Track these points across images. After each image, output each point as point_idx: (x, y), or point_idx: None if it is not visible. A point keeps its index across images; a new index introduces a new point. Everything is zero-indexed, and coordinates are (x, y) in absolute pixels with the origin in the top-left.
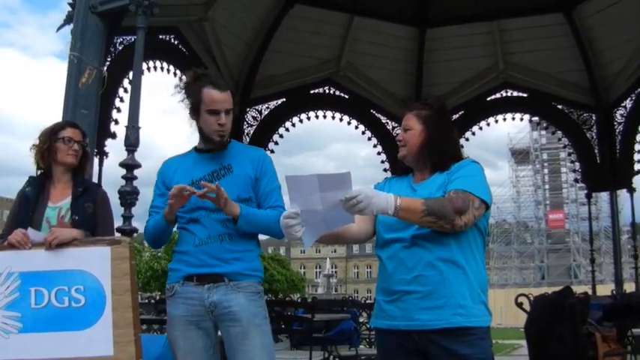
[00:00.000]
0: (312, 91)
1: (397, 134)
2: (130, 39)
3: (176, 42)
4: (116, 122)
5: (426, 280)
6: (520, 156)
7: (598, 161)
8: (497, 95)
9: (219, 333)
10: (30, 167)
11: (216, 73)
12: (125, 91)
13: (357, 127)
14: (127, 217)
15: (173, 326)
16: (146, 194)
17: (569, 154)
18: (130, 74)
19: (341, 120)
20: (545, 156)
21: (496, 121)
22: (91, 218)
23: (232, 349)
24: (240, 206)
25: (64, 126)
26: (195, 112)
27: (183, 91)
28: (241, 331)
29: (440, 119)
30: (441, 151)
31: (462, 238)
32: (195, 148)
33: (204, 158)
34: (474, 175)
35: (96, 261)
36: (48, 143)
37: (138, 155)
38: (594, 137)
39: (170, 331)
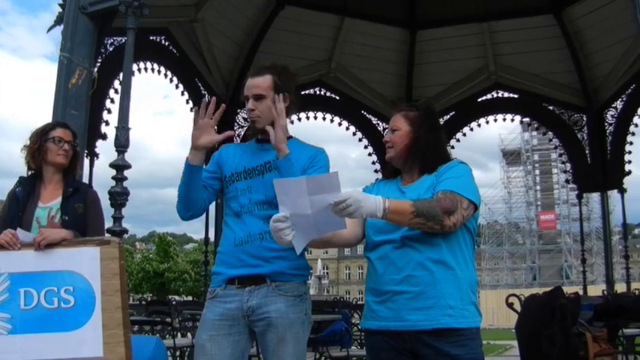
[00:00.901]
0: (302, 93)
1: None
2: (121, 40)
3: (166, 43)
4: (107, 123)
5: (416, 280)
6: (511, 157)
7: (589, 162)
8: (488, 96)
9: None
10: (21, 168)
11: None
12: (116, 92)
13: (347, 129)
14: (117, 218)
15: (203, 329)
16: (137, 195)
17: (560, 155)
18: (121, 75)
19: (332, 121)
20: (536, 157)
21: (487, 122)
22: (82, 218)
23: (267, 354)
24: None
25: (55, 126)
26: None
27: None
28: (276, 339)
29: (427, 120)
30: (429, 152)
31: (451, 238)
32: (256, 138)
33: (261, 148)
34: (461, 175)
35: (85, 261)
36: (38, 143)
37: (129, 157)
38: (585, 138)
39: (199, 333)
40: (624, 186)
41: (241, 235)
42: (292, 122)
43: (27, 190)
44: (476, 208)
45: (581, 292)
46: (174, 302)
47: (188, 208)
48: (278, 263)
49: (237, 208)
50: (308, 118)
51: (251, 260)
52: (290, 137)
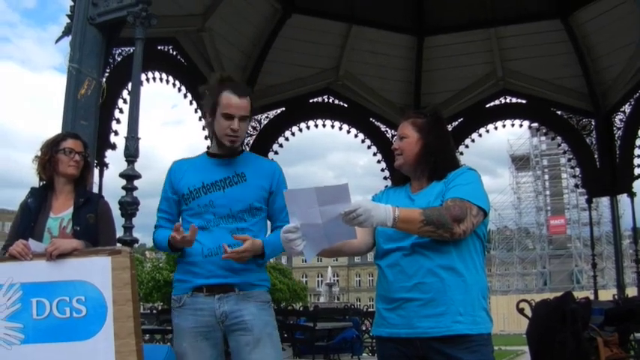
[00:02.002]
0: (311, 101)
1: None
2: (129, 50)
3: (174, 52)
4: (116, 133)
5: (427, 287)
6: (520, 162)
7: (598, 166)
8: (496, 102)
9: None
10: (30, 179)
11: (240, 80)
12: (124, 102)
13: (356, 136)
14: (128, 228)
15: (182, 337)
16: (147, 205)
17: (569, 160)
18: (129, 85)
19: (340, 129)
20: (545, 162)
21: (495, 128)
22: (93, 228)
23: (243, 356)
24: (264, 249)
25: (65, 137)
26: (211, 113)
27: (206, 92)
28: (253, 340)
29: (436, 127)
30: (438, 159)
31: (461, 245)
32: (208, 152)
33: (216, 163)
34: (470, 182)
35: (97, 271)
36: (49, 155)
37: (139, 166)
38: (594, 142)
39: (178, 342)
40: (634, 190)
41: (210, 247)
42: (280, 145)
43: (38, 201)
44: (485, 214)
45: (592, 297)
46: None
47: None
48: (246, 275)
49: (202, 223)
50: (317, 126)
51: (220, 271)
52: (242, 150)
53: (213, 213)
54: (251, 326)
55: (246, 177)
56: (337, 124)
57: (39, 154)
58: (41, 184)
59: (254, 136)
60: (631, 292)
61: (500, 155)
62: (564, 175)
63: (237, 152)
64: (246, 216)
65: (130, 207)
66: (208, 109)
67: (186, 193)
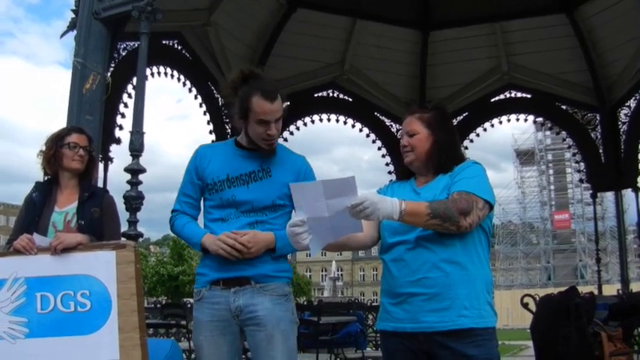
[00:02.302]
0: (316, 95)
1: (401, 139)
2: (134, 44)
3: (179, 47)
4: (120, 128)
5: (431, 281)
6: (525, 157)
7: (603, 161)
8: (501, 96)
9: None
10: (35, 174)
11: (266, 77)
12: (129, 96)
13: (361, 130)
14: (132, 222)
15: (199, 331)
16: (151, 199)
17: (574, 155)
18: (134, 80)
19: (345, 123)
20: (549, 157)
21: (500, 123)
22: (98, 223)
23: (257, 354)
24: (275, 242)
25: (70, 131)
26: (242, 115)
27: (231, 90)
28: (265, 336)
29: (444, 122)
30: (449, 154)
31: (466, 239)
32: (236, 141)
33: (243, 155)
34: (476, 176)
35: (101, 265)
36: (54, 149)
37: (144, 161)
38: (599, 137)
39: (196, 335)
40: (639, 185)
41: None
42: (285, 139)
43: (43, 195)
44: (491, 208)
45: (596, 292)
46: (189, 305)
47: None
48: (262, 267)
49: (223, 215)
50: (321, 120)
51: (235, 264)
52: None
53: (235, 207)
54: (264, 322)
55: (271, 172)
56: (342, 118)
57: (43, 148)
58: (46, 178)
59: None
60: (635, 286)
61: (504, 150)
62: (569, 170)
63: (273, 151)
64: (267, 212)
65: (134, 201)
66: (238, 111)
67: (210, 184)
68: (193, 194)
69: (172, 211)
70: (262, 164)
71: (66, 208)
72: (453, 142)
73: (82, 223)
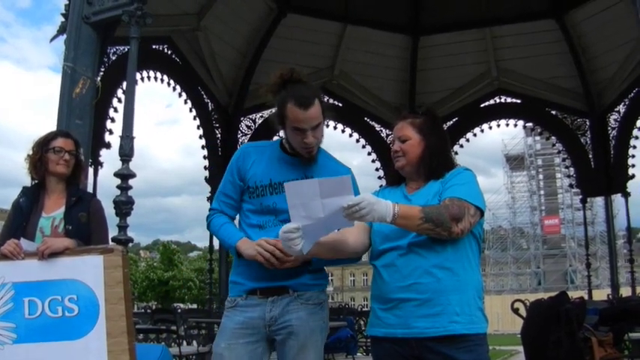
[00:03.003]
0: None
1: (392, 144)
2: (123, 49)
3: (169, 52)
4: (110, 132)
5: (423, 287)
6: (515, 162)
7: (592, 166)
8: (491, 102)
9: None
10: (25, 178)
11: (304, 81)
12: (119, 101)
13: (351, 135)
14: (122, 227)
15: (222, 337)
16: (141, 204)
17: (564, 160)
18: (124, 84)
19: (335, 128)
20: (539, 162)
21: (490, 128)
22: (85, 228)
23: None
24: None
25: (56, 136)
26: (280, 122)
27: (270, 94)
28: (297, 346)
29: (435, 128)
30: (440, 160)
31: (458, 245)
32: (281, 144)
33: (287, 161)
34: (467, 182)
35: (89, 270)
36: (39, 154)
37: (133, 166)
38: (588, 142)
39: (217, 342)
40: (628, 190)
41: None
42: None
43: (30, 200)
44: (482, 214)
45: (586, 297)
46: (179, 310)
47: None
48: (301, 277)
49: (261, 222)
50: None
51: (273, 274)
52: (319, 149)
53: (275, 215)
54: (297, 331)
55: None
56: (332, 123)
57: (30, 153)
58: (33, 183)
59: (249, 136)
60: (625, 291)
61: (493, 155)
62: (558, 175)
63: (313, 158)
64: None
65: (124, 206)
66: (276, 116)
67: (251, 187)
68: (233, 195)
69: (210, 209)
70: (306, 172)
71: (53, 213)
72: (444, 148)
73: (70, 228)
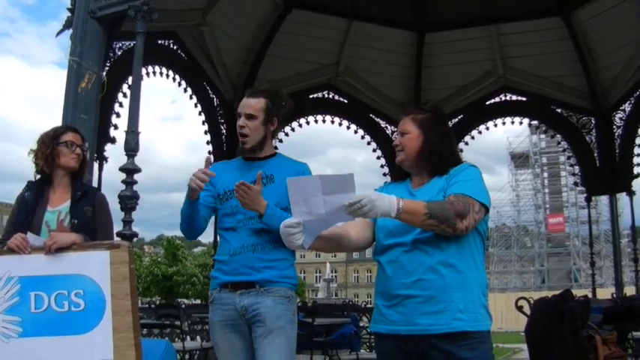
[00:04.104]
0: (311, 96)
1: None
2: (129, 44)
3: (175, 47)
4: (115, 127)
5: (427, 284)
6: (519, 160)
7: (597, 165)
8: (497, 99)
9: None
10: (29, 172)
11: (273, 86)
12: (124, 96)
13: (356, 132)
14: (127, 222)
15: (214, 330)
16: (145, 199)
17: (569, 158)
18: (129, 79)
19: (340, 124)
20: (544, 160)
21: (495, 125)
22: (90, 222)
23: (256, 347)
24: (266, 205)
25: (66, 130)
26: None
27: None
28: (265, 331)
29: (437, 123)
30: (440, 155)
31: (462, 241)
32: (243, 156)
33: (248, 166)
34: (473, 179)
35: (95, 265)
36: (51, 147)
37: (138, 161)
38: (593, 141)
39: (212, 335)
40: (633, 188)
41: (235, 247)
42: (280, 140)
43: (35, 194)
44: (487, 211)
45: (590, 295)
46: (183, 305)
47: (194, 232)
48: (267, 272)
49: (233, 223)
50: (316, 121)
51: (243, 269)
52: (274, 154)
53: (244, 213)
54: (264, 318)
55: (274, 179)
56: (337, 119)
57: (36, 146)
58: (37, 177)
59: None
60: (629, 290)
61: (498, 153)
62: (563, 173)
63: (270, 155)
64: None
65: (129, 201)
66: None
67: (221, 194)
68: (204, 197)
69: None
70: (266, 172)
71: (59, 207)
72: (446, 144)
73: (76, 222)
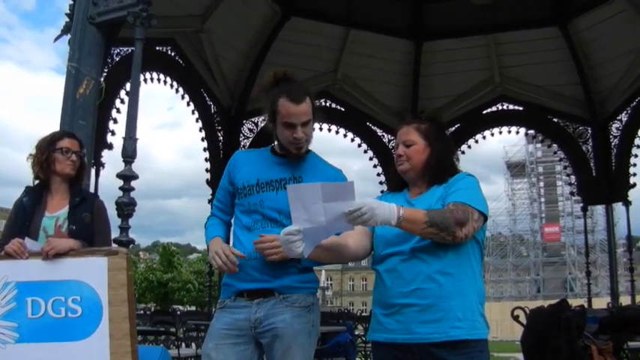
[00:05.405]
0: None
1: (396, 149)
2: (127, 50)
3: (172, 53)
4: (113, 133)
5: (425, 293)
6: (516, 169)
7: (594, 174)
8: (493, 108)
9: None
10: (28, 178)
11: (296, 80)
12: (122, 102)
13: (352, 140)
14: (124, 229)
15: (210, 337)
16: (141, 206)
17: (565, 168)
18: (127, 85)
19: (337, 132)
20: (540, 169)
21: (492, 134)
22: (89, 228)
23: None
24: None
25: (62, 136)
26: (271, 119)
27: (263, 93)
28: (282, 349)
29: (440, 134)
30: (446, 166)
31: (460, 250)
32: (272, 148)
33: (277, 162)
34: (471, 188)
35: (93, 271)
36: (46, 153)
37: (134, 167)
38: (590, 150)
39: (205, 342)
40: (629, 198)
41: (251, 251)
42: (314, 129)
43: (33, 200)
44: (485, 219)
45: (585, 305)
46: (178, 312)
47: None
48: (286, 278)
49: (249, 223)
50: (313, 129)
51: (259, 275)
52: (309, 151)
53: (262, 214)
54: (281, 334)
55: (302, 181)
56: (334, 127)
57: (34, 152)
58: (35, 182)
59: (251, 139)
60: (624, 300)
61: (493, 162)
62: (559, 183)
63: (301, 156)
64: None
65: (126, 207)
66: (267, 114)
67: (240, 188)
68: (223, 199)
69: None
70: (294, 172)
71: (57, 213)
72: (449, 154)
73: (74, 228)
